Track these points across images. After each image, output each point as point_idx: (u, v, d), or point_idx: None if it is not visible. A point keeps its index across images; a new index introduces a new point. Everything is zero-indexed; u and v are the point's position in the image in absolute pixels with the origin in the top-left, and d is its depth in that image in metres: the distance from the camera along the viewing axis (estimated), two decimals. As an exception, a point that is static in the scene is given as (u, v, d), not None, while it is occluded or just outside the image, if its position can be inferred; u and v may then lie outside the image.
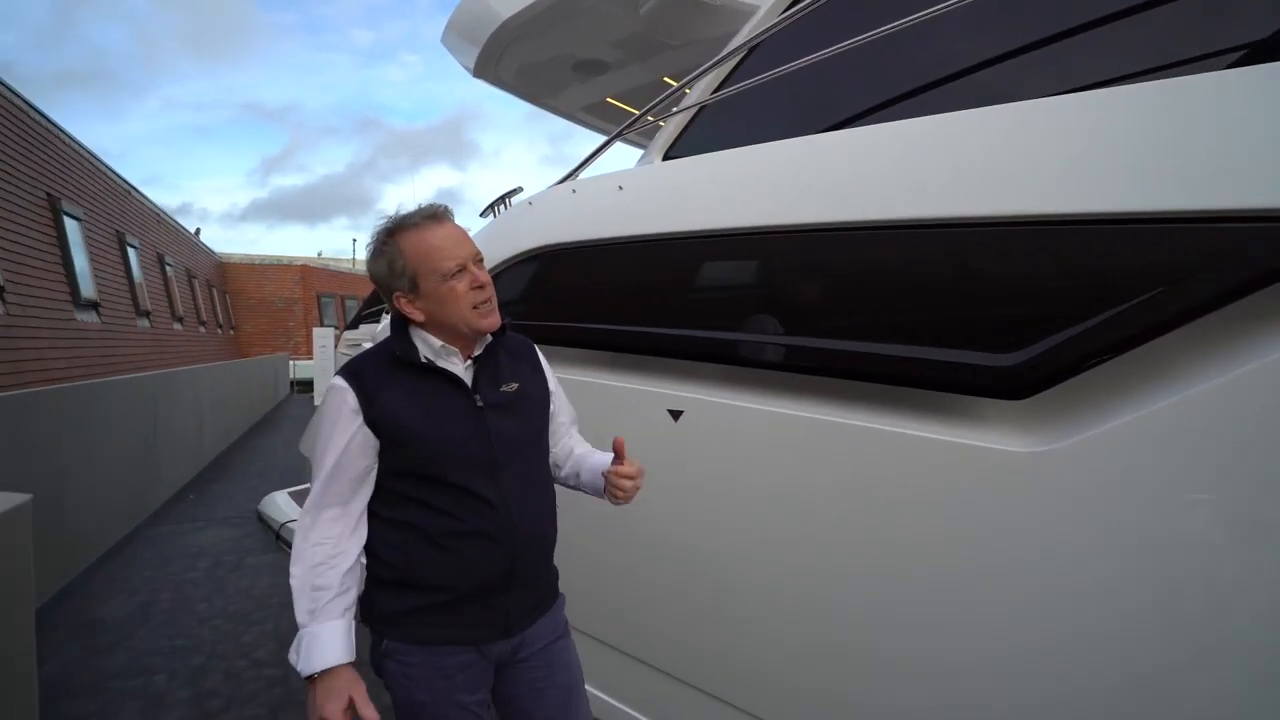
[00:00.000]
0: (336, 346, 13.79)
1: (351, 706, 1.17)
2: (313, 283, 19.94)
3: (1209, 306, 1.17)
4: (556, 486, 1.48)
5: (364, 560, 1.30)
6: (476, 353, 1.33)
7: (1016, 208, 1.37)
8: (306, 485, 4.86)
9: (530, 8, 3.08)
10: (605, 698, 2.21)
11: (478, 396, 1.30)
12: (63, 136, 8.19)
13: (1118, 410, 1.27)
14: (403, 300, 1.28)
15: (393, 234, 1.28)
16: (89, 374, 6.81)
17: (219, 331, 15.58)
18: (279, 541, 4.67)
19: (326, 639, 1.18)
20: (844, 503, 1.60)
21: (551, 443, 1.49)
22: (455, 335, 1.29)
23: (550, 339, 1.98)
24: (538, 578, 1.36)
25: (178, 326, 11.63)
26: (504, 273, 2.42)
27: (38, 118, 7.52)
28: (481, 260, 1.31)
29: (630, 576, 2.10)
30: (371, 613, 1.30)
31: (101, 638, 3.14)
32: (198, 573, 4.06)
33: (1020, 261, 1.40)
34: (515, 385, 1.36)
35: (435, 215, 1.29)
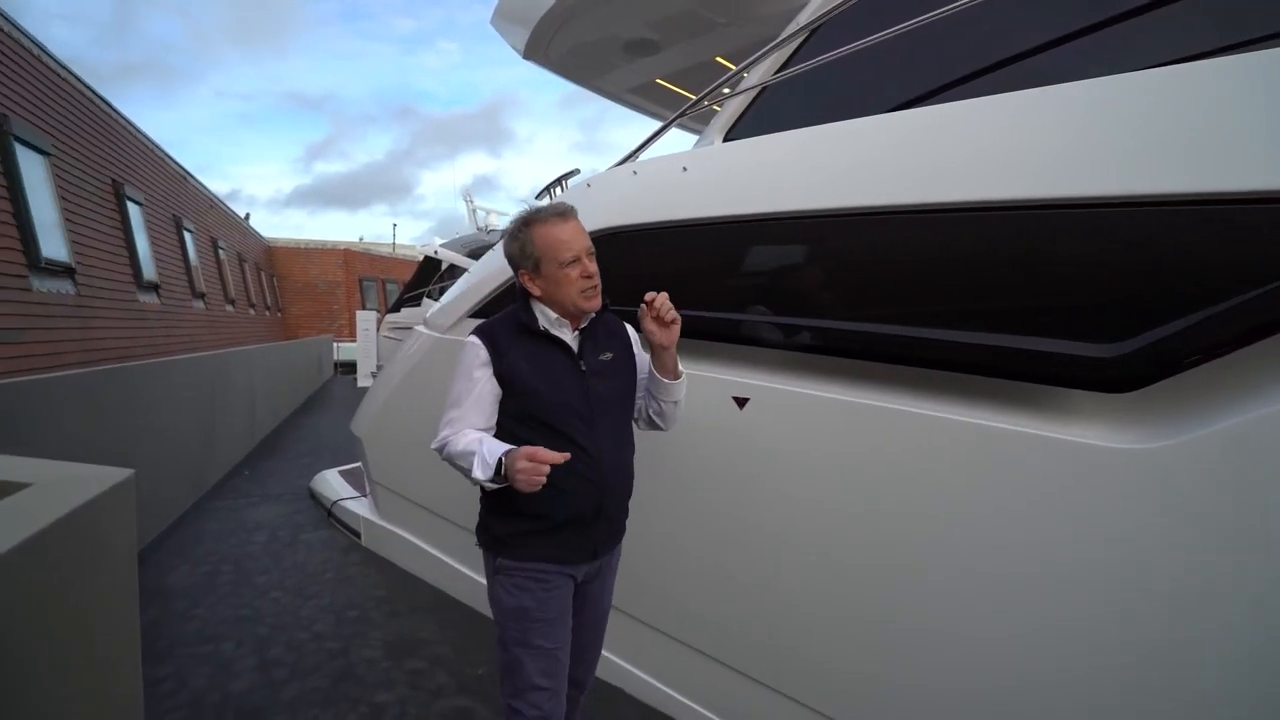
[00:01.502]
0: (379, 329, 13.99)
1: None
2: (355, 267, 20.38)
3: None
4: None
5: None
6: (582, 325, 1.60)
7: (1125, 187, 1.28)
8: (357, 465, 4.92)
9: (585, -13, 3.04)
10: (669, 690, 2.21)
11: (582, 362, 1.57)
12: (126, 125, 8.49)
13: (1232, 408, 1.18)
14: (525, 277, 1.56)
15: (528, 224, 1.56)
16: (150, 353, 7.10)
17: (267, 313, 16.08)
18: (331, 519, 4.81)
19: (491, 445, 1.44)
20: (930, 498, 1.53)
21: (645, 382, 1.73)
22: (564, 311, 1.57)
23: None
24: (619, 514, 1.66)
25: (229, 308, 12.03)
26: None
27: (105, 107, 7.80)
28: (593, 253, 1.57)
29: (703, 570, 2.08)
30: (487, 535, 1.60)
31: (172, 605, 3.28)
32: (255, 546, 4.20)
33: (1126, 245, 1.31)
34: (610, 356, 1.63)
35: (562, 213, 1.56)
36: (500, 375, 1.52)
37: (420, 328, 3.66)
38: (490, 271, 2.97)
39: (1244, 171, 1.15)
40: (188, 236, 10.10)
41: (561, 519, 1.52)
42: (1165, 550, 1.24)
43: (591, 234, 2.34)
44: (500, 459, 1.38)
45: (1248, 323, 1.17)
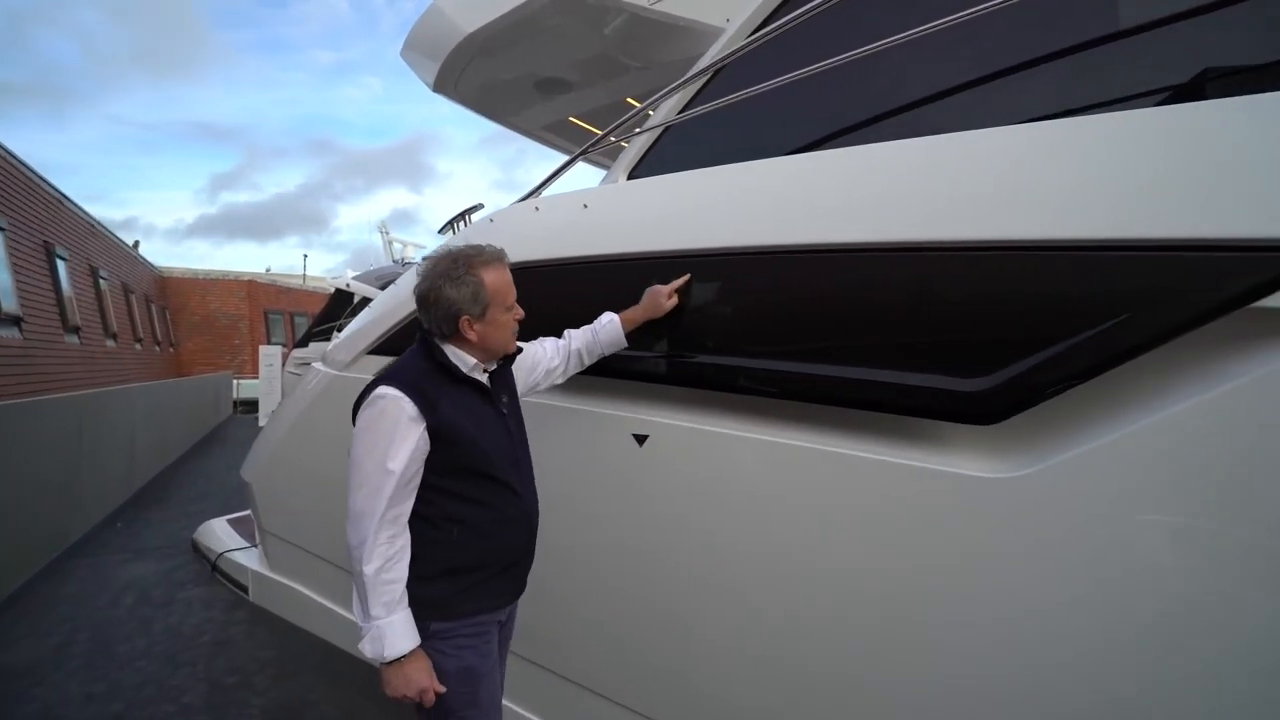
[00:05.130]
0: (284, 365, 13.22)
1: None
2: (260, 299, 19.19)
3: (1180, 330, 1.17)
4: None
5: None
6: (492, 368, 1.56)
7: (988, 232, 1.37)
8: (246, 513, 4.51)
9: (493, 23, 3.04)
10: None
11: (501, 405, 1.54)
12: (-13, 141, 7.71)
13: (1090, 434, 1.27)
14: (467, 322, 1.45)
15: (472, 267, 1.45)
16: (4, 394, 6.32)
17: (157, 349, 14.79)
18: (215, 573, 4.38)
19: (402, 628, 1.36)
20: (812, 528, 1.56)
21: (545, 375, 1.79)
22: (488, 354, 1.52)
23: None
24: (535, 548, 1.61)
25: (111, 343, 10.98)
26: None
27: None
28: None
29: (593, 606, 2.01)
30: (416, 604, 1.41)
31: (6, 686, 2.84)
32: (121, 610, 3.75)
33: (989, 286, 1.40)
34: (507, 397, 1.59)
35: (501, 257, 1.52)
36: (434, 430, 1.38)
37: (318, 364, 3.44)
38: (393, 306, 2.84)
39: (1095, 222, 1.26)
40: (60, 265, 9.19)
41: (500, 566, 1.50)
42: (1030, 573, 1.31)
43: (493, 269, 2.31)
44: (404, 653, 1.34)
45: (1099, 355, 1.26)
